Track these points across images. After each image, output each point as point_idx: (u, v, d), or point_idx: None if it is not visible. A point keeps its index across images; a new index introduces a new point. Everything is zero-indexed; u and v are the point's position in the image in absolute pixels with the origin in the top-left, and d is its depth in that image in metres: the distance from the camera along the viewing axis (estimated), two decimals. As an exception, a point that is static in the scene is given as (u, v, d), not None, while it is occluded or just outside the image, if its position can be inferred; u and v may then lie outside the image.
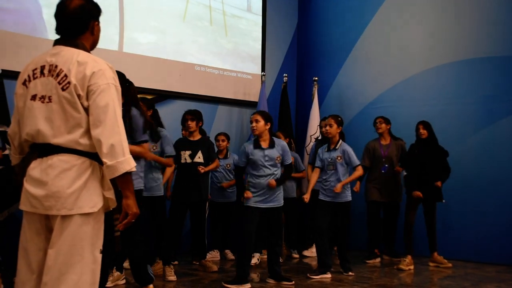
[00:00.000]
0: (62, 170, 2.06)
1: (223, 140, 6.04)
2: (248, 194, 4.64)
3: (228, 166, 5.99)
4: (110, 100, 2.08)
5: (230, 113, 7.12)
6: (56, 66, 2.11)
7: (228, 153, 6.08)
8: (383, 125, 6.21)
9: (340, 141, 5.25)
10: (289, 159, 4.81)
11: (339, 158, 5.17)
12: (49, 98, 2.10)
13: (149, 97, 5.64)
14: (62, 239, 2.04)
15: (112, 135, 2.05)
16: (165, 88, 6.39)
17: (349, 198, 5.25)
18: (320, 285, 4.81)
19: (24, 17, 5.23)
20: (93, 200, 2.10)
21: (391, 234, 6.27)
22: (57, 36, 2.22)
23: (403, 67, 6.94)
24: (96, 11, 2.26)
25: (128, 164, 2.08)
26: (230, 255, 6.09)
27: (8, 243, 3.42)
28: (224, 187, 5.96)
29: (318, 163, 5.33)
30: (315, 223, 5.26)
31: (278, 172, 4.73)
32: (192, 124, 5.16)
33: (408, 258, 5.63)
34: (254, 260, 5.69)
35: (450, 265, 5.72)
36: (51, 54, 2.16)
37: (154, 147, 4.71)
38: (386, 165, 6.12)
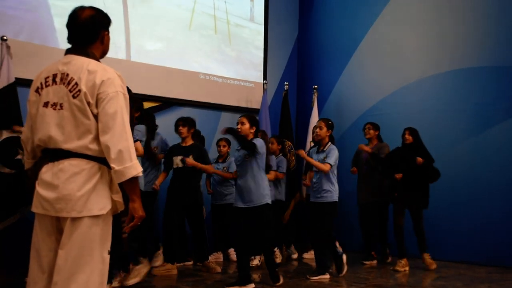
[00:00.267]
0: (72, 174, 2.11)
1: (224, 146, 6.13)
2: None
3: (225, 169, 6.05)
4: (119, 108, 2.14)
5: (233, 120, 7.20)
6: (67, 75, 2.17)
7: (228, 157, 6.16)
8: (371, 131, 6.34)
9: (329, 143, 5.25)
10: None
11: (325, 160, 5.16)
12: (61, 105, 2.15)
13: (154, 104, 5.75)
14: (72, 240, 2.09)
15: (120, 141, 2.10)
16: (171, 95, 6.53)
17: (331, 199, 5.10)
18: (318, 285, 4.86)
19: (37, 28, 5.39)
20: (102, 202, 2.15)
21: (382, 233, 6.30)
22: (69, 45, 2.28)
23: (400, 76, 7.13)
24: (106, 21, 2.32)
25: (135, 169, 2.12)
26: (233, 256, 6.10)
27: (20, 244, 3.50)
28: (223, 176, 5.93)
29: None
30: (310, 226, 5.29)
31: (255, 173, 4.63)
32: (183, 130, 5.26)
33: (404, 260, 5.71)
34: (255, 262, 5.76)
35: (434, 266, 5.74)
36: (63, 63, 2.22)
37: (155, 148, 5.16)
38: (366, 167, 6.24)
